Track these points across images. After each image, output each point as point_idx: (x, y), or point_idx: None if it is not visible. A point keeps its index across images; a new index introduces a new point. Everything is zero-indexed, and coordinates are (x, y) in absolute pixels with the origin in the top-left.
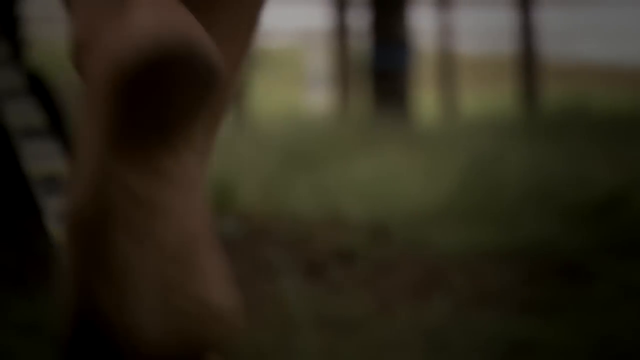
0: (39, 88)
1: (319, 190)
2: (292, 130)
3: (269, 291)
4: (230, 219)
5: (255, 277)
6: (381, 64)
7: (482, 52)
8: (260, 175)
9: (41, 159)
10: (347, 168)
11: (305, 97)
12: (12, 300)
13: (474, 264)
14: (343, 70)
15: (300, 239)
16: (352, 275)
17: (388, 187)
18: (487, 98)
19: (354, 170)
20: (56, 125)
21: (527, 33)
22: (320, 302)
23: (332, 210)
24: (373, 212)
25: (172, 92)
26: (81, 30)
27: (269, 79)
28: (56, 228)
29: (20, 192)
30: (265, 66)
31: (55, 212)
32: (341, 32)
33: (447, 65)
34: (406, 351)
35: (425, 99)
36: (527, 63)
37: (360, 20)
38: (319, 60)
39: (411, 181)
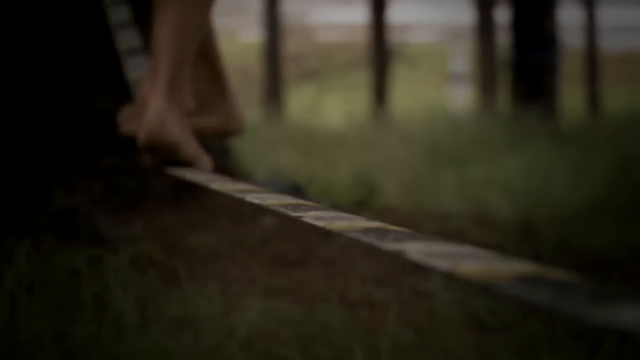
0: None
1: (464, 187)
2: (435, 126)
3: (414, 288)
4: (371, 215)
5: (400, 273)
6: (528, 60)
7: (626, 49)
8: (404, 171)
9: (137, 68)
10: (492, 164)
11: (448, 93)
12: (162, 296)
13: (627, 264)
14: (487, 67)
15: (445, 235)
16: None
17: (535, 183)
18: (632, 95)
19: (499, 167)
20: None
21: None
22: (468, 300)
23: (477, 207)
24: (520, 209)
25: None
26: (140, 96)
27: (411, 74)
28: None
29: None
30: (407, 61)
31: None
32: (486, 28)
33: (593, 62)
34: (560, 354)
35: (570, 95)
36: None
37: (506, 16)
38: (462, 56)
39: (558, 178)
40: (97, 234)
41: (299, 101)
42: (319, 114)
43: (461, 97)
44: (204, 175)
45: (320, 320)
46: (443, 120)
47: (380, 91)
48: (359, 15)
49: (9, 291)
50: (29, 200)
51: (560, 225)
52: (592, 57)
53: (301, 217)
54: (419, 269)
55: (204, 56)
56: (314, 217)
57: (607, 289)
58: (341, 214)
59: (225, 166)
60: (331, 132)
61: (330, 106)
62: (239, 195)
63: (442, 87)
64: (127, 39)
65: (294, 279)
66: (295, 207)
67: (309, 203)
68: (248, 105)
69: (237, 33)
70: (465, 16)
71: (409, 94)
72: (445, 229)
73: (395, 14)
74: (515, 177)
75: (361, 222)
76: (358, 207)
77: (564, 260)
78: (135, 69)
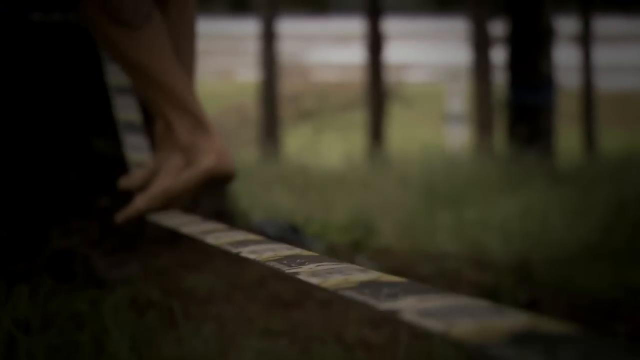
0: None
1: (460, 227)
2: (432, 166)
3: (410, 328)
4: (367, 256)
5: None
6: (524, 101)
7: (622, 89)
8: (400, 211)
9: (136, 150)
10: (489, 205)
11: (444, 133)
12: (158, 337)
13: (623, 307)
14: (484, 107)
15: (441, 276)
16: None
17: (531, 225)
18: (628, 134)
19: (496, 208)
20: None
21: None
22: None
23: (474, 248)
24: (516, 251)
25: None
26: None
27: (408, 114)
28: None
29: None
30: (404, 101)
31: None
32: (482, 68)
33: (589, 102)
34: None
35: (566, 135)
36: None
37: (502, 57)
38: (459, 96)
39: (555, 219)
40: (94, 275)
41: (296, 141)
42: (316, 153)
43: (458, 137)
44: (200, 226)
45: None
46: (439, 160)
47: (376, 131)
48: (356, 55)
49: (7, 332)
50: (26, 242)
51: (556, 266)
52: (588, 96)
53: (297, 273)
54: None
55: (182, 100)
56: (309, 273)
57: (601, 345)
58: (336, 266)
59: (222, 208)
60: (328, 172)
61: (327, 146)
62: (235, 251)
63: (439, 127)
64: (117, 76)
65: (291, 320)
66: (291, 260)
67: (305, 254)
68: (245, 145)
69: (234, 73)
70: (462, 56)
71: (405, 133)
72: (441, 270)
73: (392, 54)
74: (511, 218)
75: (356, 275)
76: (354, 247)
77: (560, 302)
78: (124, 108)
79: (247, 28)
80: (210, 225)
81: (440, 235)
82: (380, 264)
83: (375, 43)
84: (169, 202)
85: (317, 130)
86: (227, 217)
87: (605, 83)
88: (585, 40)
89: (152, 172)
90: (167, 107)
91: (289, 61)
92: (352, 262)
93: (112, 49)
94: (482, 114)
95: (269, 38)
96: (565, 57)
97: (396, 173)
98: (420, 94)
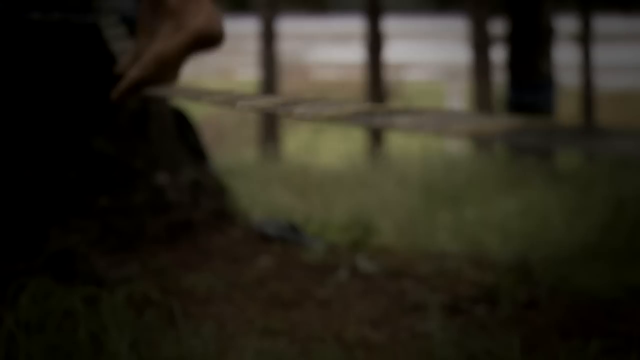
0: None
1: (460, 227)
2: (431, 166)
3: (411, 329)
4: (367, 255)
5: (396, 313)
6: (523, 100)
7: (622, 89)
8: (400, 210)
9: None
10: (488, 205)
11: None
12: (157, 336)
13: (625, 307)
14: (483, 106)
15: (441, 276)
16: (495, 314)
17: (531, 224)
18: None
19: (495, 207)
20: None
21: None
22: (463, 339)
23: (473, 247)
24: (516, 250)
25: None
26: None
27: None
28: None
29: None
30: (404, 100)
31: None
32: (482, 68)
33: (589, 101)
34: None
35: None
36: None
37: (502, 56)
38: (458, 95)
39: (554, 219)
40: (94, 274)
41: (296, 140)
42: (316, 153)
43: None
44: (195, 90)
45: None
46: (439, 160)
47: (376, 130)
48: (356, 55)
49: (7, 332)
50: (26, 242)
51: (556, 266)
52: (588, 96)
53: (290, 113)
54: (416, 310)
55: None
56: (302, 111)
57: (592, 130)
58: (329, 103)
59: (222, 207)
60: (328, 171)
61: (326, 145)
62: (230, 104)
63: None
64: (122, 45)
65: (290, 319)
66: (285, 104)
67: (299, 98)
68: (244, 144)
69: (234, 72)
70: (462, 56)
71: (405, 133)
72: (441, 270)
73: (392, 54)
74: (511, 218)
75: (351, 107)
76: (354, 247)
77: (560, 302)
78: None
79: (247, 27)
80: (206, 90)
81: (440, 235)
82: (380, 263)
83: (375, 42)
84: (162, 68)
85: (317, 130)
86: (227, 216)
87: (605, 83)
88: (585, 39)
89: (137, 51)
90: None
91: (289, 60)
92: (352, 262)
93: None
94: (481, 113)
95: (268, 37)
96: (565, 57)
97: (396, 173)
98: (420, 93)
